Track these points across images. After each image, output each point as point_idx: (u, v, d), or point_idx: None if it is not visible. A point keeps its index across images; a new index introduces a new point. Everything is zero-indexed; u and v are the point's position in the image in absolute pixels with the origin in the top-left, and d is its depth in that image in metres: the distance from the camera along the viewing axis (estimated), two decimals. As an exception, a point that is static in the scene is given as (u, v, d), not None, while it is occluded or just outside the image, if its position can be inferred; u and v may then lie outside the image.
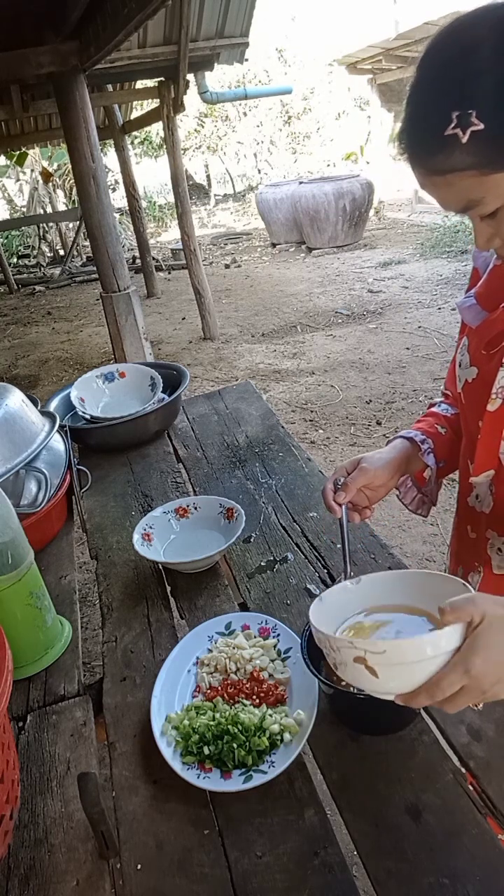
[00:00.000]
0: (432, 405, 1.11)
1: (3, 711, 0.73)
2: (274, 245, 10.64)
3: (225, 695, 0.90)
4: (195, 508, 1.31)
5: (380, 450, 1.00)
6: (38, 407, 1.55)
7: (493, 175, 0.62)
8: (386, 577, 0.80)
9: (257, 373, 5.14)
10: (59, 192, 14.36)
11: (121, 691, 0.97)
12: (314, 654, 0.82)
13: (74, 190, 8.32)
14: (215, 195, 20.04)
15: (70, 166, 5.06)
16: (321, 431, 3.97)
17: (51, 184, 13.12)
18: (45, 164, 12.68)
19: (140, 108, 9.28)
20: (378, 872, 0.68)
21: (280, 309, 6.88)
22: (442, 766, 0.78)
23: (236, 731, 0.81)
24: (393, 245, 9.24)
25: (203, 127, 17.91)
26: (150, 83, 5.85)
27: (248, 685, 0.90)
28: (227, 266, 9.81)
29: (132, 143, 15.95)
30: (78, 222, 10.83)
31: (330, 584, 1.12)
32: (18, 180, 14.54)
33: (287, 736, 0.82)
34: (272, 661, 0.95)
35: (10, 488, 1.28)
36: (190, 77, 5.39)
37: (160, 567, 1.24)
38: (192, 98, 5.76)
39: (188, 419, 1.88)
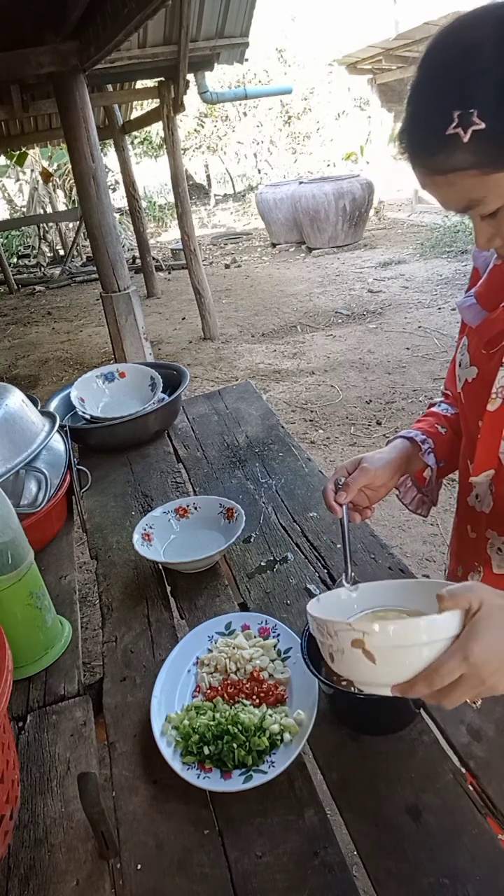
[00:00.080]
0: (432, 405, 1.11)
1: (3, 711, 0.73)
2: (274, 245, 10.64)
3: (225, 695, 0.90)
4: (195, 508, 1.31)
5: (380, 450, 1.00)
6: (38, 407, 1.55)
7: (494, 174, 0.62)
8: (384, 585, 0.80)
9: (257, 373, 5.14)
10: (59, 192, 14.36)
11: (121, 691, 0.97)
12: (314, 654, 0.82)
13: (74, 190, 8.32)
14: (215, 195, 20.05)
15: (70, 166, 5.06)
16: (321, 431, 3.97)
17: (51, 184, 13.12)
18: (45, 164, 12.69)
19: (140, 108, 9.28)
20: (378, 872, 0.68)
21: (280, 309, 6.88)
22: (442, 766, 0.78)
23: (236, 731, 0.81)
24: (393, 245, 9.24)
25: (203, 127, 17.92)
26: (150, 83, 5.85)
27: (248, 685, 0.90)
28: (227, 266, 9.81)
29: (132, 143, 15.95)
30: (78, 222, 10.83)
31: (330, 584, 1.12)
32: (18, 180, 14.55)
33: (287, 736, 0.82)
34: (272, 661, 0.95)
35: (10, 488, 1.28)
36: (190, 77, 5.39)
37: (160, 567, 1.24)
38: (192, 98, 5.76)
39: (188, 419, 1.88)
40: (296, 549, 1.23)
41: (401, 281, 7.18)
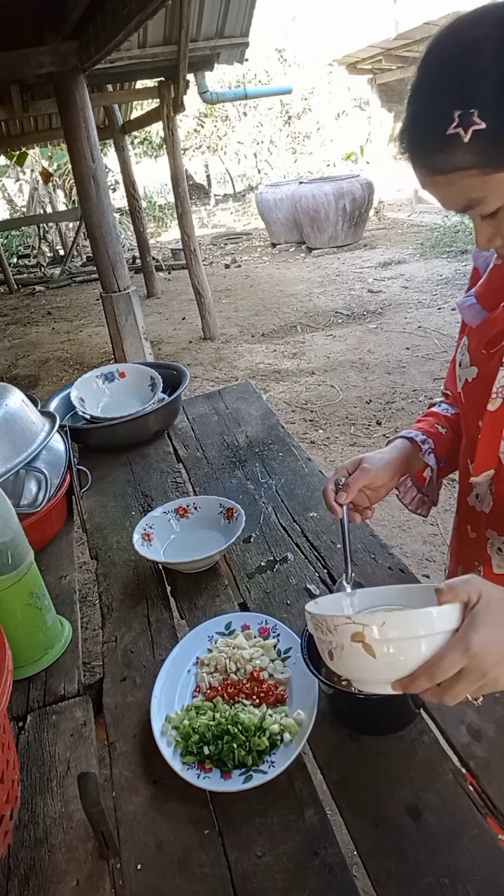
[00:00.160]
0: (432, 405, 1.11)
1: (3, 711, 0.73)
2: (274, 245, 10.65)
3: (225, 695, 0.90)
4: (195, 508, 1.31)
5: (380, 450, 1.00)
6: (38, 407, 1.55)
7: (494, 174, 0.62)
8: (381, 590, 0.80)
9: (257, 373, 5.14)
10: (59, 192, 14.36)
11: (121, 691, 0.97)
12: (314, 654, 0.82)
13: (74, 190, 8.32)
14: (215, 195, 20.05)
15: (70, 166, 5.06)
16: (321, 431, 3.97)
17: (51, 184, 13.13)
18: (45, 164, 12.69)
19: (140, 108, 9.28)
20: (378, 872, 0.68)
21: (280, 309, 6.88)
22: (442, 766, 0.78)
23: (236, 731, 0.81)
24: (393, 245, 9.25)
25: (203, 127, 17.92)
26: (150, 83, 5.85)
27: (248, 685, 0.90)
28: (227, 266, 9.81)
29: (132, 143, 15.95)
30: (78, 222, 10.83)
31: (330, 584, 1.12)
32: (18, 180, 14.55)
33: (287, 736, 0.82)
34: (272, 661, 0.95)
35: (10, 488, 1.28)
36: (190, 77, 5.39)
37: (160, 567, 1.24)
38: (192, 98, 5.76)
39: (188, 419, 1.88)
40: (296, 549, 1.23)
41: (401, 281, 7.18)
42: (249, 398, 1.95)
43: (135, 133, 11.99)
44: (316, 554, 1.21)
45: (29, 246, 13.13)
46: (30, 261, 12.59)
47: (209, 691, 0.91)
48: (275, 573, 1.18)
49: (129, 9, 2.76)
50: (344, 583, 0.92)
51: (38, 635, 1.03)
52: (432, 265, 7.63)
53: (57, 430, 1.43)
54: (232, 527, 1.24)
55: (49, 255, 12.62)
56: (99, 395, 1.86)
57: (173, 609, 1.14)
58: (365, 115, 14.54)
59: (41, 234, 12.67)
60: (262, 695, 0.89)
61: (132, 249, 11.10)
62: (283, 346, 5.70)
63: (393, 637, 0.59)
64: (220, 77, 15.13)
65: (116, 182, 13.06)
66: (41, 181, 12.76)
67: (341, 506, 0.92)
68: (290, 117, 17.74)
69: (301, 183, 9.84)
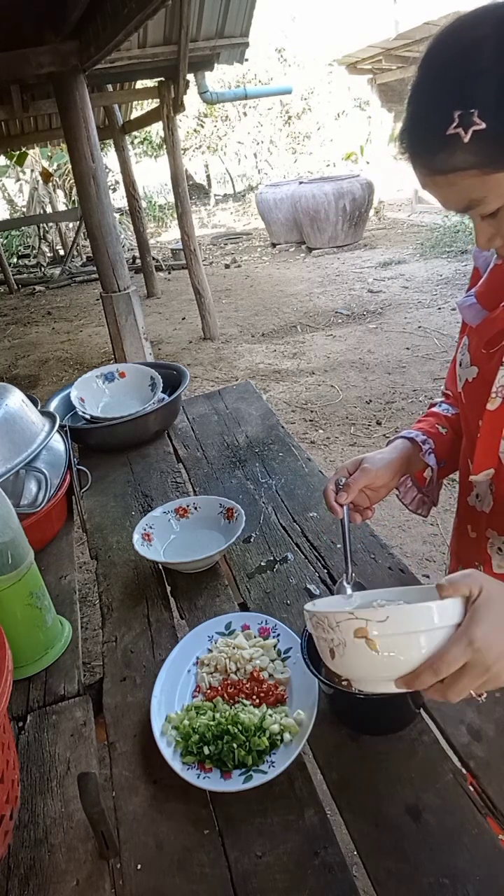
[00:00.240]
0: (433, 405, 1.11)
1: (3, 711, 0.73)
2: (274, 245, 10.65)
3: (225, 695, 0.90)
4: (195, 508, 1.31)
5: (381, 450, 1.00)
6: (38, 407, 1.55)
7: (494, 174, 0.62)
8: (380, 592, 0.80)
9: (257, 373, 5.14)
10: (59, 192, 14.36)
11: (121, 691, 0.97)
12: (314, 654, 0.82)
13: (74, 190, 8.32)
14: (215, 195, 20.05)
15: (70, 166, 5.06)
16: (321, 431, 3.97)
17: (51, 184, 13.13)
18: (45, 164, 12.69)
19: (140, 108, 9.28)
20: (378, 872, 0.68)
21: (280, 309, 6.88)
22: (442, 766, 0.78)
23: (236, 731, 0.81)
24: (393, 245, 9.25)
25: (203, 127, 17.92)
26: (150, 83, 5.85)
27: (248, 685, 0.90)
28: (227, 266, 9.81)
29: (132, 143, 15.95)
30: (78, 222, 10.83)
31: (330, 584, 1.12)
32: (18, 180, 14.55)
33: (287, 736, 0.82)
34: (272, 661, 0.95)
35: (10, 488, 1.28)
36: (190, 77, 5.39)
37: (160, 567, 1.24)
38: (192, 98, 5.76)
39: (188, 419, 1.88)
40: (296, 549, 1.23)
41: (401, 281, 7.18)
42: (249, 398, 1.95)
43: (135, 133, 11.99)
44: (316, 554, 1.21)
45: (29, 246, 13.13)
46: (30, 261, 12.59)
47: (209, 691, 0.91)
48: (275, 573, 1.18)
49: (129, 9, 2.76)
50: (344, 583, 0.92)
51: (38, 635, 1.03)
52: (432, 265, 7.63)
53: (57, 430, 1.43)
54: (232, 527, 1.24)
55: (49, 255, 12.62)
56: (99, 395, 1.86)
57: (173, 609, 1.14)
58: (365, 115, 14.55)
59: (41, 234, 12.67)
60: (262, 695, 0.89)
61: (132, 249, 11.11)
62: (283, 346, 5.70)
63: (395, 631, 0.59)
64: (220, 77, 15.14)
65: (116, 182, 13.06)
66: (41, 181, 12.76)
67: (342, 506, 0.92)
68: (289, 117, 17.74)
69: (301, 183, 9.84)
